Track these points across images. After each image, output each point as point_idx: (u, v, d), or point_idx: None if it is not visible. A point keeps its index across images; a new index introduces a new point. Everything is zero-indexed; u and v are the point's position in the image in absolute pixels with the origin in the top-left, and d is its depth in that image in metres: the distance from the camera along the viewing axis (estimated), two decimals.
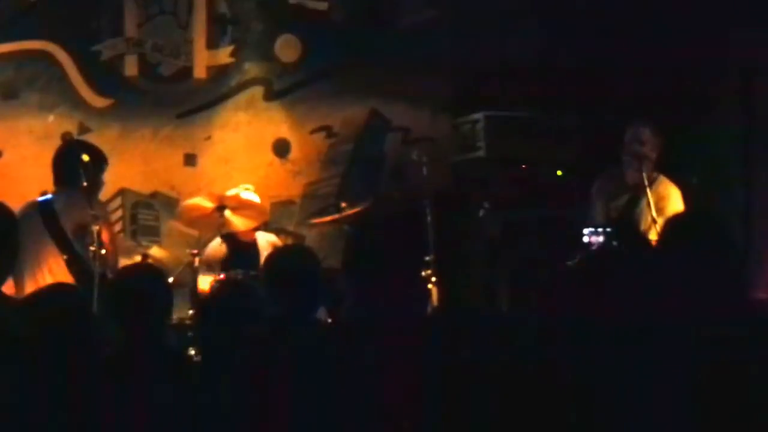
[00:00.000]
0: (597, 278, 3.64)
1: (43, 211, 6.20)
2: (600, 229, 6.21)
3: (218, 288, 5.81)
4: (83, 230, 6.09)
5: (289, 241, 8.03)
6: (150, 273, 4.34)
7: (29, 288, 5.78)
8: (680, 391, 3.33)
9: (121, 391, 3.67)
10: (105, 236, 6.31)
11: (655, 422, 3.34)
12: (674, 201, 6.51)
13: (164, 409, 3.70)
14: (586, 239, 6.18)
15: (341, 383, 3.40)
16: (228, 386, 3.63)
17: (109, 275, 6.05)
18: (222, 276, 6.75)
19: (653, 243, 5.83)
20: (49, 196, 6.35)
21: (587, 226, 6.31)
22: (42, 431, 3.44)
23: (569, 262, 5.66)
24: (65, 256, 6.11)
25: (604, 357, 3.48)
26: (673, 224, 3.83)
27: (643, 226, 6.49)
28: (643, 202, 6.44)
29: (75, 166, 6.03)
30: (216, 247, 7.13)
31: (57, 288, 4.14)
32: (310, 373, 3.46)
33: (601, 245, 6.09)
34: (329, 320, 5.65)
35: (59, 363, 3.52)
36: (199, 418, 3.68)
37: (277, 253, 4.75)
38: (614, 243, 6.12)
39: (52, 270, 6.08)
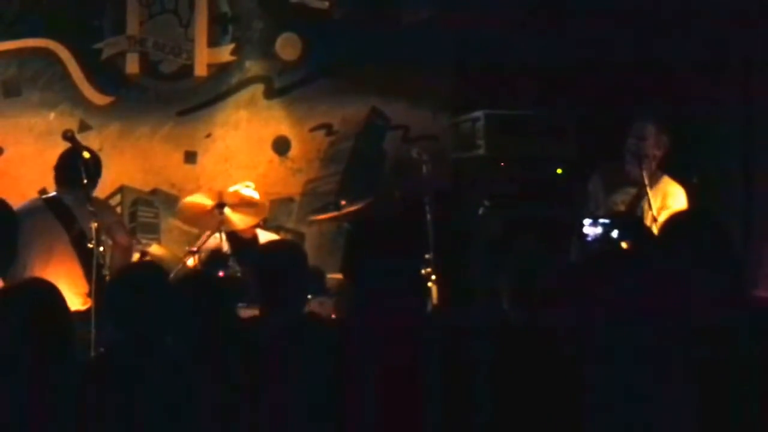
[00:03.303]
0: (600, 277, 3.65)
1: (52, 207, 6.21)
2: (599, 221, 6.15)
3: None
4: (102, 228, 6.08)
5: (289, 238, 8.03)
6: (151, 271, 4.27)
7: None
8: (681, 388, 3.34)
9: (117, 390, 3.65)
10: (122, 234, 6.33)
11: (656, 420, 3.35)
12: (679, 200, 6.45)
13: (163, 407, 3.69)
14: (585, 230, 6.14)
15: (341, 382, 3.41)
16: (221, 383, 3.62)
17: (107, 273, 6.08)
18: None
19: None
20: (53, 193, 6.35)
21: (586, 217, 6.27)
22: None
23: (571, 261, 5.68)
24: (80, 252, 6.11)
25: (605, 355, 3.49)
26: (672, 223, 3.84)
27: None
28: (644, 200, 6.40)
29: (78, 165, 6.03)
30: (213, 240, 7.13)
31: (33, 283, 4.01)
32: (308, 371, 3.47)
33: (600, 237, 6.06)
34: (317, 314, 5.64)
35: (32, 362, 3.46)
36: (195, 415, 3.67)
37: (262, 248, 4.74)
38: (613, 235, 6.06)
39: (64, 265, 6.09)
